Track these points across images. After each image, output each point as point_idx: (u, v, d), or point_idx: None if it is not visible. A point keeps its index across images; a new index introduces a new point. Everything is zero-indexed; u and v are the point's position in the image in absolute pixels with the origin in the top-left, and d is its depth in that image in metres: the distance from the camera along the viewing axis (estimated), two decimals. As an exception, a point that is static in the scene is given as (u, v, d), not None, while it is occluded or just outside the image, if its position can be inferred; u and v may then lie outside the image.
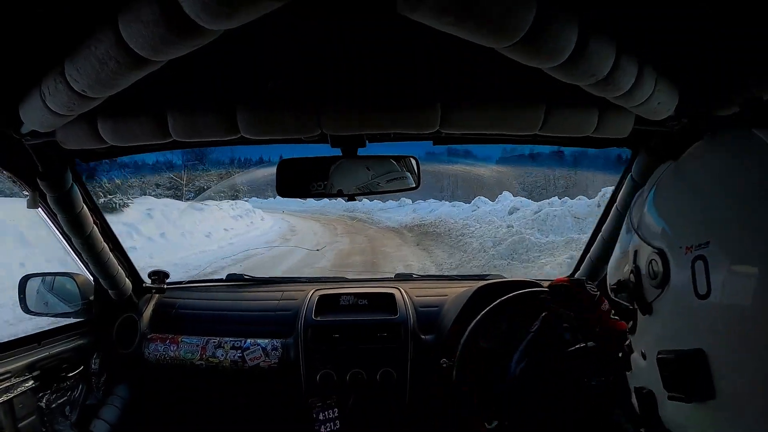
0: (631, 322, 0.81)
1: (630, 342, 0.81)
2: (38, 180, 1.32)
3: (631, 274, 0.71)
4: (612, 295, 0.84)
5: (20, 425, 1.34)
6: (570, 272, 1.87)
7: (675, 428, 0.67)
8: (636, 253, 0.71)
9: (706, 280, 0.56)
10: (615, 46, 0.74)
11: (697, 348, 0.57)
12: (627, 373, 0.83)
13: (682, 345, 0.60)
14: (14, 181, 1.34)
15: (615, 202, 1.57)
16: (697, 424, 0.61)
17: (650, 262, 0.66)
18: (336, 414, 1.67)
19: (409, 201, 20.33)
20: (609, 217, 1.61)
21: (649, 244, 0.67)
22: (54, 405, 1.48)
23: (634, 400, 0.80)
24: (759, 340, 0.51)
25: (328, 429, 1.66)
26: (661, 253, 0.64)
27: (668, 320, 0.65)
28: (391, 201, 20.41)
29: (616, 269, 0.82)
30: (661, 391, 0.65)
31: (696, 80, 0.96)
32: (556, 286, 1.40)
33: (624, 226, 0.82)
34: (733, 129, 0.65)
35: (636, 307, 0.74)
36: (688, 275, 0.58)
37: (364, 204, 20.67)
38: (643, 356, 0.71)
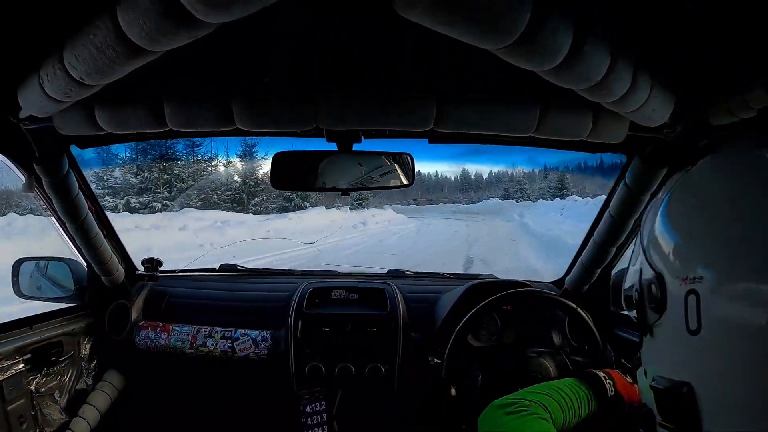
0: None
1: (640, 356, 0.77)
2: (34, 165, 1.33)
3: (636, 292, 0.68)
4: (624, 306, 0.83)
5: (9, 408, 1.35)
6: (562, 275, 1.88)
7: None
8: (641, 271, 0.67)
9: (697, 316, 0.53)
10: (610, 51, 0.74)
11: (686, 381, 0.56)
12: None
13: (674, 374, 0.58)
14: (11, 165, 1.35)
15: (608, 207, 1.57)
16: None
17: (650, 285, 0.62)
18: (323, 407, 1.67)
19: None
20: (601, 222, 1.62)
21: (650, 266, 0.64)
22: (44, 389, 1.49)
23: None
24: (747, 383, 0.50)
25: (315, 421, 1.67)
26: (659, 278, 0.61)
27: (663, 347, 0.62)
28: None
29: (627, 282, 0.79)
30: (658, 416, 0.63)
31: (691, 88, 0.96)
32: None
33: (636, 239, 0.78)
34: (739, 146, 0.63)
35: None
36: (681, 307, 0.56)
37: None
38: (645, 373, 0.69)
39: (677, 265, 0.58)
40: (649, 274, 0.64)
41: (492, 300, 1.48)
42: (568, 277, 1.81)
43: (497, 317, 1.65)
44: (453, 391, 1.38)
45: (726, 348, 0.51)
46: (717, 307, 0.52)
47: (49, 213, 1.54)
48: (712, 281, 0.52)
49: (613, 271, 1.73)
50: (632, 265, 0.75)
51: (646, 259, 0.65)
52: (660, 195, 0.72)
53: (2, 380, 1.32)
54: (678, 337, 0.57)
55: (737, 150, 0.63)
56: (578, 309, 1.46)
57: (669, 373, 0.60)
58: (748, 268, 0.50)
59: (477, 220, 20.54)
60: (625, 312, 1.61)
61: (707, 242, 0.56)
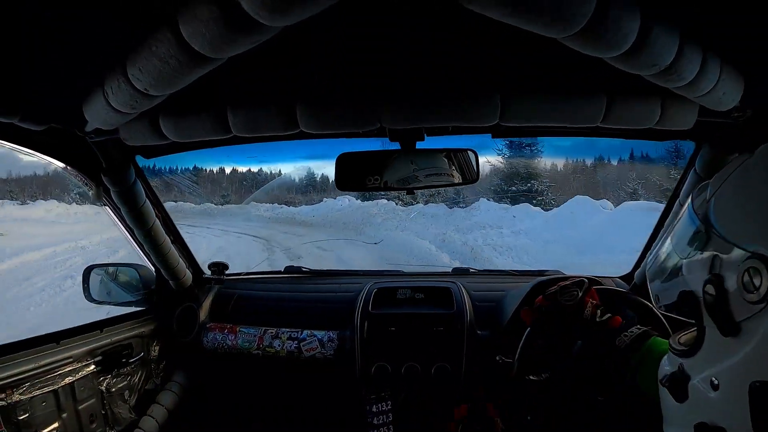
0: (683, 339, 0.73)
1: (682, 366, 0.70)
2: (102, 175, 1.37)
3: (708, 286, 0.60)
4: (661, 308, 0.75)
5: (80, 407, 1.40)
6: (630, 270, 1.82)
7: None
8: (716, 259, 0.60)
9: None
10: (678, 34, 0.72)
11: None
12: (680, 404, 0.71)
13: None
14: (79, 177, 1.40)
15: (678, 197, 1.52)
16: None
17: (747, 270, 0.55)
18: (389, 407, 1.67)
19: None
20: (672, 213, 1.56)
21: (741, 248, 0.56)
22: (114, 389, 1.54)
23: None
24: None
25: (380, 421, 1.67)
26: (762, 258, 0.53)
27: (765, 343, 0.54)
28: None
29: (671, 278, 0.71)
30: (739, 429, 0.56)
31: (761, 70, 0.92)
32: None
33: (683, 227, 0.71)
34: None
35: (707, 324, 0.63)
36: None
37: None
38: (713, 386, 0.61)
39: None
40: (737, 258, 0.56)
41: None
42: (637, 272, 1.74)
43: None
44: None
45: None
46: None
47: (119, 222, 1.59)
48: None
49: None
50: (675, 263, 0.69)
51: (730, 243, 0.58)
52: (725, 175, 0.66)
53: (74, 381, 1.38)
54: None
55: None
56: (652, 306, 1.41)
57: None
58: None
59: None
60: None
61: None
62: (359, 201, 16.39)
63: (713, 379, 0.61)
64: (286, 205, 20.04)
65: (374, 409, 1.68)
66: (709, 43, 0.78)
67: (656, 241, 1.64)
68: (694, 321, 0.68)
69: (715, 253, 0.60)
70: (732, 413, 0.56)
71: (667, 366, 0.76)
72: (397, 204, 15.34)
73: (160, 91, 0.78)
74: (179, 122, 1.08)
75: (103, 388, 1.50)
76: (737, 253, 0.57)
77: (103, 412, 1.51)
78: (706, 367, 0.63)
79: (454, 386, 1.64)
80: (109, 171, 1.37)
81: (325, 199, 19.43)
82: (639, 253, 1.77)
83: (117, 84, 0.80)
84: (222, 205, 22.26)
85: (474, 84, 1.04)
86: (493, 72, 1.05)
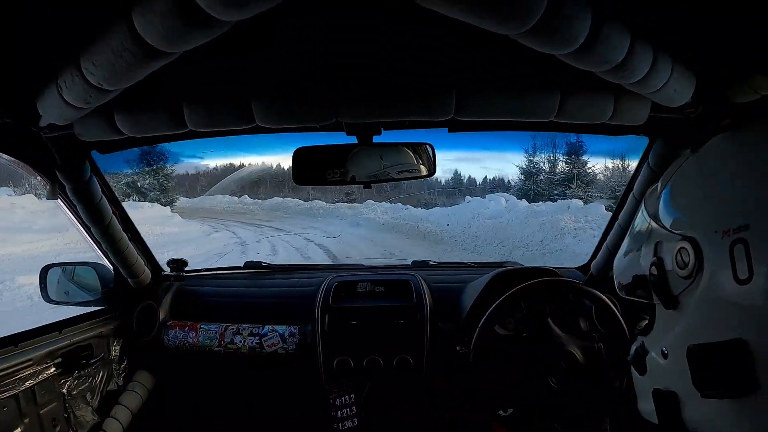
0: (644, 322, 0.79)
1: (642, 343, 0.78)
2: (57, 172, 1.34)
3: (653, 267, 0.68)
4: (622, 294, 0.81)
5: (42, 411, 1.37)
6: (587, 261, 1.86)
7: (704, 430, 0.63)
8: (658, 245, 0.69)
9: (747, 263, 0.54)
10: (629, 31, 0.74)
11: (736, 338, 0.55)
12: (640, 376, 0.78)
13: (715, 337, 0.58)
14: (33, 174, 1.37)
15: (632, 190, 1.56)
16: (732, 422, 0.58)
17: (678, 251, 0.63)
18: (352, 400, 1.69)
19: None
20: (626, 206, 1.60)
21: (674, 234, 0.65)
22: (75, 391, 1.51)
23: (644, 405, 0.76)
24: None
25: (344, 415, 1.69)
26: (692, 240, 0.61)
27: (699, 312, 0.62)
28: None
29: (628, 266, 0.79)
30: (687, 391, 0.62)
31: (712, 67, 0.94)
32: None
33: (638, 222, 0.80)
34: (762, 116, 0.64)
35: (656, 302, 0.71)
36: (725, 261, 0.56)
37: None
38: (664, 355, 0.68)
39: (713, 222, 0.60)
40: (672, 242, 0.65)
41: (518, 289, 1.48)
42: (593, 263, 1.79)
43: (523, 305, 1.65)
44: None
45: None
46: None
47: (74, 219, 1.56)
48: (760, 225, 0.54)
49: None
50: (631, 252, 0.77)
51: (667, 230, 0.67)
52: (664, 177, 0.75)
53: (34, 385, 1.34)
54: (720, 294, 0.58)
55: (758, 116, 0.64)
56: (604, 297, 1.46)
57: (706, 336, 0.59)
58: None
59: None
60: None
61: (749, 192, 0.57)
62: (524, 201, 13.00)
63: (663, 349, 0.68)
64: (412, 206, 15.93)
65: (337, 403, 1.69)
66: (660, 42, 0.80)
67: (611, 232, 1.69)
68: (647, 302, 0.75)
69: (659, 240, 0.69)
70: (679, 376, 0.63)
71: (633, 347, 0.83)
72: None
73: (115, 86, 0.76)
74: (134, 117, 1.06)
75: (64, 390, 1.47)
76: (674, 238, 0.65)
77: (66, 416, 1.47)
78: (658, 339, 0.71)
79: (416, 378, 1.66)
80: (63, 167, 1.34)
81: (468, 198, 15.15)
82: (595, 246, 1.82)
83: (71, 78, 0.78)
84: (333, 203, 19.19)
85: (431, 79, 1.05)
86: (450, 67, 1.06)
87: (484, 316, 1.46)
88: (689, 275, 0.62)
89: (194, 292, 1.88)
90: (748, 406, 0.55)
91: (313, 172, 1.34)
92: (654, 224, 0.71)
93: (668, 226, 0.67)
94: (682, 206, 0.67)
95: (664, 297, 0.67)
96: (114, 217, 1.56)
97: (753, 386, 0.54)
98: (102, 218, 1.51)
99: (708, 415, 0.61)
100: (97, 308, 1.72)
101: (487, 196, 15.04)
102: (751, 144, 0.63)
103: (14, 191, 17.16)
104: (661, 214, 0.70)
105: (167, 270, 1.91)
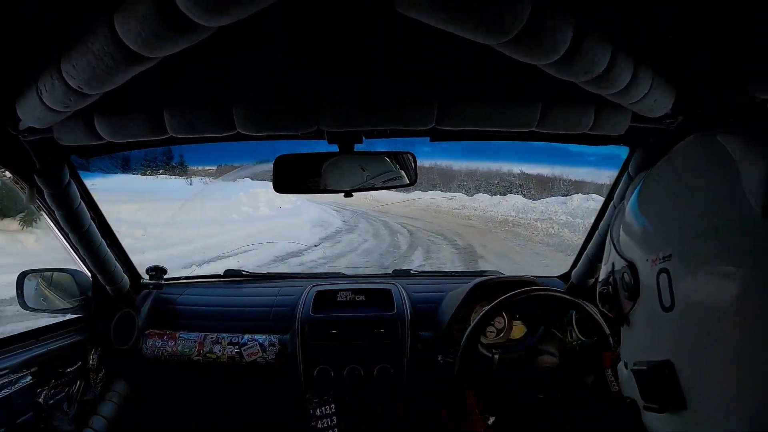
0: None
1: (619, 353, 0.80)
2: (35, 176, 1.32)
3: (609, 286, 0.71)
4: (599, 305, 0.83)
5: (18, 421, 1.34)
6: (568, 269, 1.87)
7: None
8: (613, 265, 0.71)
9: (670, 293, 0.56)
10: (610, 43, 0.74)
11: (666, 359, 0.58)
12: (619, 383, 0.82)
13: (653, 356, 0.60)
14: (11, 178, 1.35)
15: (612, 199, 1.57)
16: None
17: (623, 273, 0.66)
18: (333, 410, 1.67)
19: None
20: (606, 215, 1.62)
21: (621, 257, 0.67)
22: (52, 401, 1.48)
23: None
24: (723, 352, 0.51)
25: (325, 424, 1.67)
26: (631, 265, 0.64)
27: (641, 332, 0.65)
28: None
29: (601, 279, 0.81)
30: (641, 402, 0.65)
31: (692, 78, 0.96)
32: None
33: (608, 237, 0.82)
34: (699, 136, 0.63)
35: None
36: (654, 288, 0.58)
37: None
38: (625, 365, 0.71)
39: (646, 249, 0.62)
40: (620, 265, 0.67)
41: (500, 302, 1.48)
42: (574, 271, 1.80)
43: (504, 315, 1.65)
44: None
45: (699, 319, 0.53)
46: (687, 281, 0.54)
47: (52, 225, 1.54)
48: (680, 256, 0.55)
49: None
50: (604, 263, 0.79)
51: (617, 251, 0.69)
52: (627, 194, 0.75)
53: (10, 394, 1.31)
54: (653, 317, 0.60)
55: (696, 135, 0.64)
56: (585, 305, 1.47)
57: (648, 355, 0.62)
58: (711, 238, 0.53)
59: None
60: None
61: (675, 222, 0.59)
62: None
63: (624, 361, 0.72)
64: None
65: (318, 413, 1.67)
66: (640, 53, 0.81)
67: (591, 242, 1.70)
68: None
69: (614, 259, 0.71)
70: (634, 388, 0.66)
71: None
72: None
73: (95, 90, 0.76)
74: (114, 122, 1.05)
75: (41, 400, 1.44)
76: (621, 261, 0.68)
77: (42, 426, 1.44)
78: (623, 352, 0.74)
79: (396, 387, 1.65)
80: (42, 172, 1.32)
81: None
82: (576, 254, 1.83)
83: (51, 81, 0.77)
84: (472, 195, 17.67)
85: (412, 88, 1.05)
86: (432, 77, 1.06)
87: (467, 332, 1.46)
88: (630, 298, 0.65)
89: (173, 300, 1.86)
90: (683, 420, 0.57)
91: (294, 180, 1.34)
92: (610, 243, 0.74)
93: (618, 248, 0.70)
94: (628, 230, 0.69)
95: (618, 314, 0.70)
96: (93, 223, 1.54)
97: (682, 404, 0.56)
98: (80, 224, 1.49)
99: (658, 424, 0.63)
100: (75, 316, 1.70)
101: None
102: (678, 170, 0.64)
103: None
104: (614, 234, 0.73)
105: (146, 278, 1.89)
